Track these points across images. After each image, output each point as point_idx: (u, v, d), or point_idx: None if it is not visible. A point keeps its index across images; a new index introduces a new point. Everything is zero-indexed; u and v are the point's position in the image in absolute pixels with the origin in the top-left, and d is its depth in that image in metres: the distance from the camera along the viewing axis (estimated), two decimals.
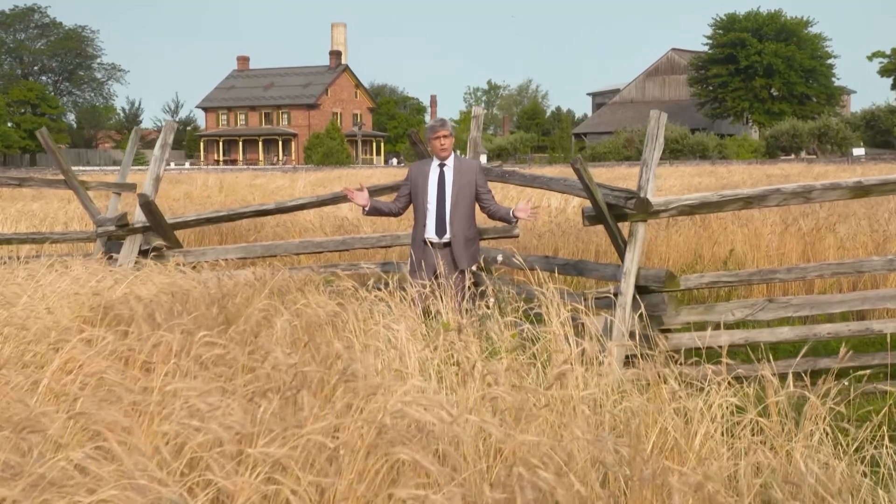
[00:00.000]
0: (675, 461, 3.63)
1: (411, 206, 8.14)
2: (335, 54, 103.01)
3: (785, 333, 7.83)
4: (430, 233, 7.82)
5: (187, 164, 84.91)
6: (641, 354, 7.09)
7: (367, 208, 7.99)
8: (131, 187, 11.61)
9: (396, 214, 8.19)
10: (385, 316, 5.44)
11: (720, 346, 7.62)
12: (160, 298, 5.28)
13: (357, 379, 3.52)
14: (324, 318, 4.85)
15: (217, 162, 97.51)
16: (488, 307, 5.82)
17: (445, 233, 7.76)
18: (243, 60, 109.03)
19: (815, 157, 66.84)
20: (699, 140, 76.37)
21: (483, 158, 65.62)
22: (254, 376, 3.53)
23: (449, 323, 5.54)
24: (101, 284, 5.66)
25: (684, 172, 35.37)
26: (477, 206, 8.00)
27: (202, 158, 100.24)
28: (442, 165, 7.95)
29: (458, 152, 9.11)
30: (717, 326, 8.63)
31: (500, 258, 7.58)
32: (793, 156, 71.98)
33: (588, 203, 7.73)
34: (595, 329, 7.32)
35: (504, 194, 20.32)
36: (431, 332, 4.91)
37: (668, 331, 7.72)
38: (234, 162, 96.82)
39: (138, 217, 10.02)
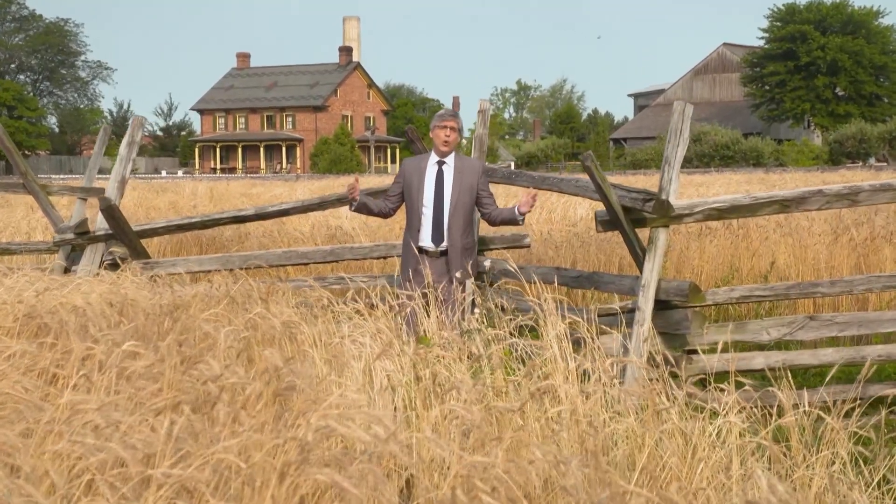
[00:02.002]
0: (669, 488, 3.52)
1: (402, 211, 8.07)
2: (346, 50, 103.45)
3: (829, 356, 7.68)
4: (426, 240, 7.72)
5: (180, 173, 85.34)
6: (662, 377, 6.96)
7: (355, 203, 7.88)
8: (99, 192, 11.60)
9: (386, 216, 8.10)
10: (357, 328, 5.37)
11: (757, 370, 7.56)
12: (99, 309, 5.22)
13: (297, 393, 3.43)
14: (280, 330, 4.76)
15: (214, 170, 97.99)
16: (479, 321, 5.73)
17: (443, 240, 7.69)
18: (243, 58, 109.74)
19: (885, 164, 66.34)
20: (753, 145, 76.06)
21: (510, 166, 65.56)
22: (178, 389, 3.44)
23: (429, 337, 5.45)
24: (34, 294, 5.60)
25: (732, 180, 35.22)
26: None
27: (197, 166, 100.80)
28: (441, 163, 7.87)
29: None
30: (758, 347, 8.51)
31: (487, 264, 7.48)
32: (860, 163, 71.50)
33: (602, 206, 7.64)
34: (604, 348, 7.22)
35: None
36: (406, 346, 4.81)
37: (694, 352, 7.59)
38: (232, 170, 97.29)
39: (100, 224, 9.99)
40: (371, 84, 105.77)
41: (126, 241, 9.83)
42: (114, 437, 2.84)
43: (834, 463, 3.70)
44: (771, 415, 4.18)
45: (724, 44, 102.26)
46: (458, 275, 7.19)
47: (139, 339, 4.72)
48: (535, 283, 6.05)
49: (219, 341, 4.30)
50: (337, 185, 38.97)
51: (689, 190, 25.79)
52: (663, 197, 7.42)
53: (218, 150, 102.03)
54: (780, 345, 8.67)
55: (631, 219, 7.56)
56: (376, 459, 2.92)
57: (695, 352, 7.58)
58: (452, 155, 7.88)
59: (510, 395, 4.24)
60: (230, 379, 3.22)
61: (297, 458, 2.68)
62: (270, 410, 3.31)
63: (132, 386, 3.55)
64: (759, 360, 7.69)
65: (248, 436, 2.89)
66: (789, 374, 5.12)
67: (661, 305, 7.49)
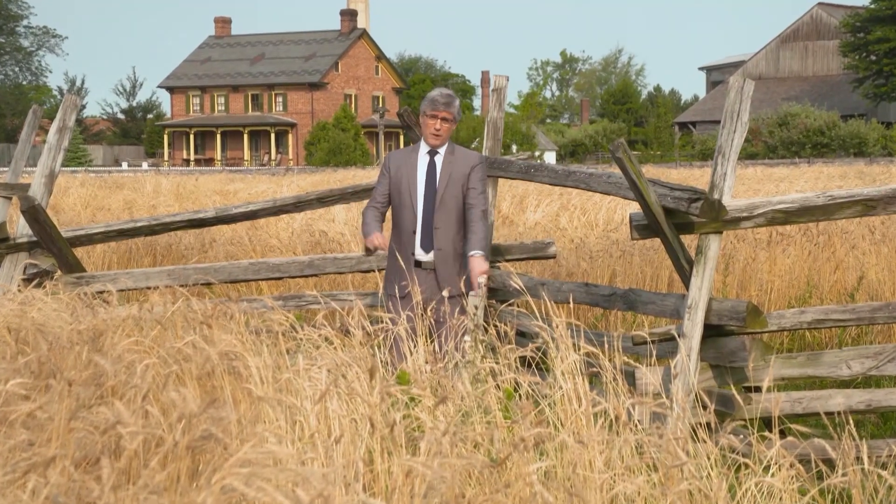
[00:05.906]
0: None
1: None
2: (349, 15, 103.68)
3: None
4: (418, 247, 7.79)
5: (145, 165, 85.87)
6: (717, 424, 6.90)
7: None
8: (26, 188, 11.62)
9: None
10: (318, 360, 5.35)
11: (835, 413, 7.48)
12: None
13: (217, 445, 3.41)
14: (217, 363, 4.73)
15: (187, 161, 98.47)
16: (472, 350, 5.71)
17: (432, 247, 7.77)
18: (223, 23, 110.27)
19: None
20: (854, 130, 75.68)
21: (551, 157, 65.26)
22: (68, 441, 3.41)
23: (407, 374, 5.42)
24: None
25: (822, 174, 34.85)
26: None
27: (166, 157, 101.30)
28: (433, 153, 7.97)
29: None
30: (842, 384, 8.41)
31: (482, 280, 7.44)
32: None
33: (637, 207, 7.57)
34: (642, 384, 7.16)
35: (566, 203, 20.19)
36: (373, 383, 4.78)
37: (755, 389, 7.51)
38: (209, 161, 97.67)
39: (22, 229, 10.00)
40: (380, 56, 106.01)
41: (54, 249, 9.82)
42: None
43: None
44: (829, 473, 4.11)
45: (819, 4, 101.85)
46: (445, 293, 7.17)
47: (43, 375, 4.69)
48: (544, 301, 6.02)
49: (135, 377, 4.27)
50: (335, 180, 38.92)
51: (766, 186, 25.60)
52: (715, 196, 7.34)
53: (192, 136, 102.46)
54: (864, 381, 8.57)
55: (674, 223, 7.48)
56: None
57: (755, 389, 7.50)
58: (446, 146, 7.97)
59: (496, 446, 4.19)
60: (129, 427, 3.18)
61: None
62: (184, 465, 3.27)
63: (10, 436, 3.52)
64: (837, 401, 7.60)
65: (145, 498, 2.85)
66: (850, 419, 5.04)
67: (713, 331, 7.41)
